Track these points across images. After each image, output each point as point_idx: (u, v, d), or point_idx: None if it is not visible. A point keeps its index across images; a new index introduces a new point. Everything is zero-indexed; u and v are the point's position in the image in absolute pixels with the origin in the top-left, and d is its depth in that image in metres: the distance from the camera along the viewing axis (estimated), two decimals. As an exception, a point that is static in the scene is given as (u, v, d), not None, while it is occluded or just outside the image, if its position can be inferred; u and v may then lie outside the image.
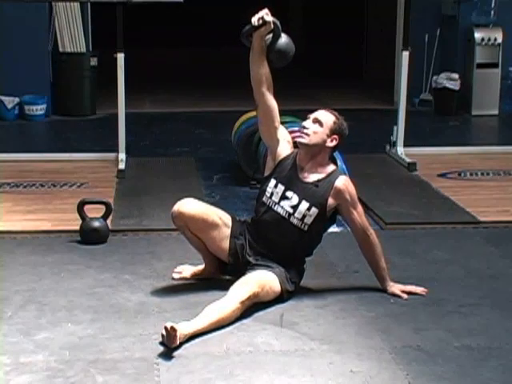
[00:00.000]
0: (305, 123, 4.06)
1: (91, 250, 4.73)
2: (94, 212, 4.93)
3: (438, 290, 4.13)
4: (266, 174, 4.17)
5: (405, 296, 4.01)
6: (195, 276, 4.25)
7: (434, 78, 9.54)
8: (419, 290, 4.08)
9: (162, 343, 3.46)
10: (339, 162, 5.34)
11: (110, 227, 4.95)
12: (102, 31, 9.54)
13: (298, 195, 4.00)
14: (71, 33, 9.08)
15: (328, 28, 13.94)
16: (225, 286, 3.93)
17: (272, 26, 4.05)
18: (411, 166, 6.67)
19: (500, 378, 3.25)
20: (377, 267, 4.07)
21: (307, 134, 4.01)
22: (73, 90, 9.11)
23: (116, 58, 6.66)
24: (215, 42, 13.95)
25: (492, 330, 3.70)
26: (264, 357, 3.41)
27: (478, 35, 9.30)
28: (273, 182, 4.07)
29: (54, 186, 6.13)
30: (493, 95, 9.41)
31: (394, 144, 7.11)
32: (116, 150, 6.78)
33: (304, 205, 3.99)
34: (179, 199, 3.96)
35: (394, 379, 3.24)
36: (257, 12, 4.04)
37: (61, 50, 9.07)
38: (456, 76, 9.34)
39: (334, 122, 4.06)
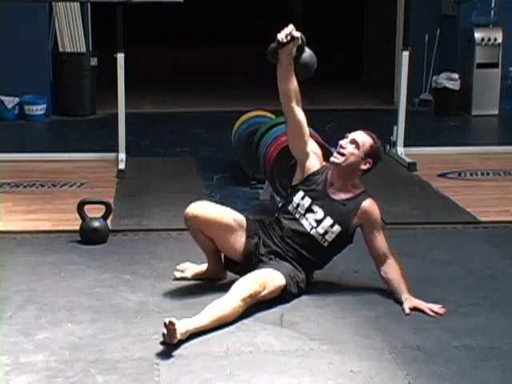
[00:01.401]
0: (342, 142, 4.07)
1: (91, 249, 4.73)
2: (94, 212, 4.93)
3: (438, 290, 4.13)
4: (294, 183, 4.21)
5: (407, 311, 3.84)
6: (196, 276, 4.24)
7: (434, 77, 9.54)
8: (436, 308, 3.85)
9: (163, 342, 3.46)
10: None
11: (110, 227, 4.95)
12: (101, 31, 9.55)
13: (324, 210, 4.04)
14: (71, 33, 9.08)
15: (328, 28, 13.95)
16: (225, 287, 3.93)
17: (300, 41, 4.08)
18: (411, 166, 6.68)
19: (500, 378, 3.25)
20: (394, 287, 3.99)
21: (342, 155, 4.03)
22: (73, 90, 9.11)
23: (116, 58, 6.66)
24: (215, 42, 13.95)
25: (492, 330, 3.70)
26: (264, 357, 3.41)
27: (477, 35, 9.29)
28: (301, 193, 4.11)
29: (54, 186, 6.13)
30: (493, 95, 9.40)
31: (393, 144, 7.12)
32: (116, 150, 6.79)
33: (328, 221, 4.03)
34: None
35: (394, 379, 3.24)
36: (281, 29, 4.04)
37: (61, 50, 9.07)
38: (456, 76, 9.34)
39: (371, 146, 4.07)
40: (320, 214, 4.04)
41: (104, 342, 3.52)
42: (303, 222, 4.06)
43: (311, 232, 4.04)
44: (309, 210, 4.06)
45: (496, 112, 9.40)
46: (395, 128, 7.10)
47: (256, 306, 3.79)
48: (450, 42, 9.72)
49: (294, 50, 4.09)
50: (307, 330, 3.65)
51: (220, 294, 3.81)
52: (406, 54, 7.00)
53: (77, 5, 9.00)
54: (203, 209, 4.02)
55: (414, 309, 3.85)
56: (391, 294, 4.02)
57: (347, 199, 4.06)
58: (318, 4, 14.48)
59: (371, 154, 4.06)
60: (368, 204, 4.06)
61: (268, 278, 3.84)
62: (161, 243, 4.87)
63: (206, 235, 4.04)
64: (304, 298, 4.01)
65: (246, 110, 6.87)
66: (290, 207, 4.12)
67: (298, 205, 4.09)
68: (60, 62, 9.11)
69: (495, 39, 9.28)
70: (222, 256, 4.17)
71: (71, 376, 3.22)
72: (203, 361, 3.36)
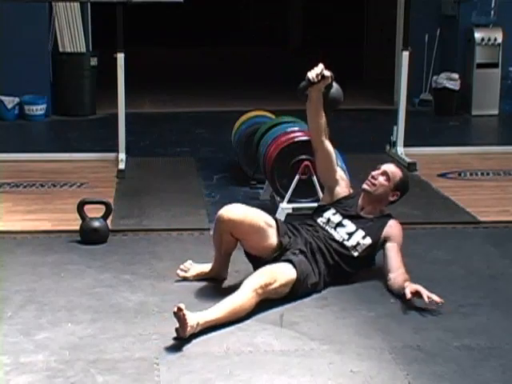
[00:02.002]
0: (374, 173, 4.38)
1: (91, 249, 4.73)
2: (94, 212, 4.93)
3: (438, 290, 4.12)
4: (322, 203, 4.48)
5: (408, 296, 3.90)
6: (198, 277, 4.23)
7: (434, 77, 9.55)
8: (435, 297, 3.86)
9: (175, 338, 3.48)
10: (339, 162, 5.35)
11: (110, 227, 4.95)
12: (102, 31, 9.55)
13: (355, 225, 4.27)
14: (71, 33, 9.08)
15: (328, 28, 13.95)
16: (226, 288, 3.94)
17: (330, 80, 4.30)
18: (411, 166, 6.68)
19: (500, 378, 3.25)
20: (398, 284, 4.04)
21: (374, 185, 4.34)
22: (73, 90, 9.11)
23: (116, 58, 6.67)
24: (215, 42, 13.96)
25: (492, 329, 3.70)
26: (264, 357, 3.41)
27: (477, 35, 9.29)
28: (332, 210, 4.35)
29: (54, 186, 6.13)
30: (493, 95, 9.41)
31: (393, 144, 7.11)
32: (116, 150, 6.79)
33: (360, 233, 4.24)
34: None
35: (394, 379, 3.24)
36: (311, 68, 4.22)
37: (61, 50, 9.07)
38: (456, 76, 9.34)
39: (400, 179, 4.37)
40: (352, 227, 4.26)
41: (104, 341, 3.52)
42: (333, 233, 4.25)
43: (344, 243, 4.22)
44: (340, 224, 4.28)
45: (496, 112, 9.40)
46: (395, 128, 7.10)
47: (256, 305, 3.80)
48: (450, 42, 9.72)
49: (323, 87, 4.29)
50: (307, 330, 3.65)
51: (221, 294, 3.82)
52: (405, 53, 7.00)
53: (77, 5, 9.00)
54: (238, 212, 4.03)
55: (416, 293, 3.86)
56: (391, 294, 4.02)
57: (376, 217, 4.34)
58: (317, 4, 14.47)
59: (399, 187, 4.38)
60: (394, 221, 4.35)
61: (279, 271, 3.89)
62: (161, 243, 4.87)
63: (234, 237, 4.05)
64: (304, 298, 4.01)
65: (246, 109, 6.87)
66: (319, 220, 4.32)
67: (329, 219, 4.31)
68: (60, 61, 9.11)
69: (495, 39, 9.28)
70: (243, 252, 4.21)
71: (71, 376, 3.22)
72: (203, 361, 3.36)
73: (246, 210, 4.07)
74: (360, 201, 4.38)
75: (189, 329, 3.49)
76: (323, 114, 4.37)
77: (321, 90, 4.30)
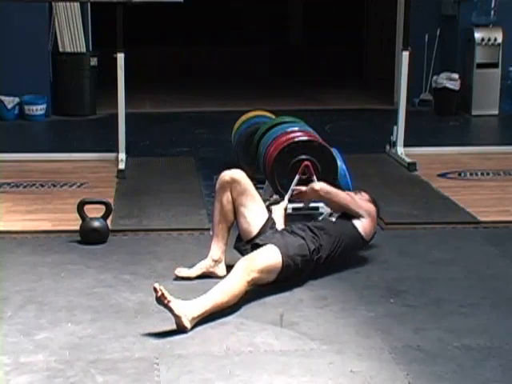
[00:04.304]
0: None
1: (91, 249, 4.73)
2: (94, 212, 4.93)
3: (438, 290, 4.13)
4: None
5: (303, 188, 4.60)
6: (200, 271, 4.27)
7: (434, 78, 9.55)
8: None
9: (177, 333, 3.55)
10: (339, 162, 5.35)
11: (110, 227, 4.95)
12: (102, 31, 9.55)
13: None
14: (71, 33, 9.08)
15: (328, 28, 13.94)
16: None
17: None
18: (411, 166, 6.67)
19: (500, 378, 3.25)
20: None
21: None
22: (73, 90, 9.11)
23: (116, 58, 6.66)
24: (215, 42, 13.94)
25: (492, 330, 3.70)
26: (264, 357, 3.41)
27: (478, 35, 9.29)
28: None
29: (54, 185, 6.13)
30: (493, 95, 9.41)
31: (394, 144, 7.11)
32: (116, 150, 6.79)
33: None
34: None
35: (394, 379, 3.24)
36: None
37: (61, 49, 9.08)
38: (456, 76, 9.34)
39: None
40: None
41: (104, 342, 3.53)
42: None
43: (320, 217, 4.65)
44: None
45: (496, 112, 9.40)
46: (395, 128, 7.10)
47: (256, 305, 3.80)
48: (450, 42, 9.72)
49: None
50: (307, 330, 3.65)
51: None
52: (405, 54, 7.00)
53: (77, 5, 9.01)
54: (238, 172, 4.37)
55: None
56: (392, 294, 4.03)
57: None
58: (318, 4, 14.45)
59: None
60: None
61: (261, 252, 4.02)
62: (161, 243, 4.87)
63: (232, 197, 4.29)
64: (304, 297, 4.02)
65: (246, 109, 6.87)
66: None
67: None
68: (60, 62, 9.11)
69: (495, 39, 9.28)
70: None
71: (71, 376, 3.22)
72: (203, 361, 3.36)
73: (245, 174, 4.39)
74: None
75: (180, 313, 3.55)
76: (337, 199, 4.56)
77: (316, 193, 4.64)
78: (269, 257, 3.99)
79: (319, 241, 4.24)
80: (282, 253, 4.02)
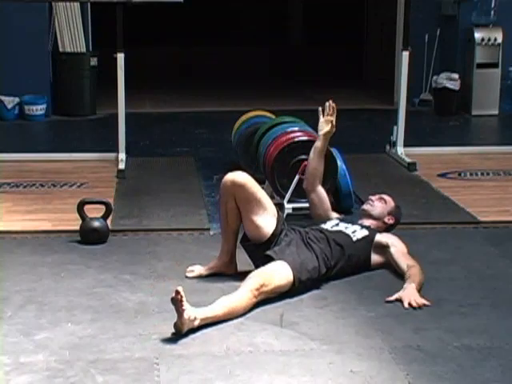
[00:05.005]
0: (372, 197, 4.69)
1: (91, 249, 4.73)
2: (94, 212, 4.93)
3: (438, 290, 4.13)
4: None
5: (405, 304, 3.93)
6: (210, 270, 4.27)
7: (434, 78, 9.55)
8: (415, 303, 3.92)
9: (174, 334, 3.51)
10: (339, 162, 5.36)
11: (110, 227, 4.95)
12: (101, 31, 9.54)
13: (353, 224, 4.50)
14: (71, 33, 9.08)
15: (328, 28, 13.93)
16: (227, 288, 3.93)
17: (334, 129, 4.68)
18: (411, 166, 6.67)
19: (500, 378, 3.25)
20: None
21: (372, 205, 4.63)
22: (73, 90, 9.11)
23: (116, 58, 6.66)
24: (215, 42, 13.94)
25: (492, 329, 3.70)
26: (264, 357, 3.41)
27: (478, 35, 9.30)
28: (335, 221, 4.54)
29: (54, 185, 6.13)
30: (493, 95, 9.41)
31: (394, 144, 7.11)
32: (116, 150, 6.79)
33: (358, 227, 4.45)
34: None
35: (394, 379, 3.24)
36: None
37: (61, 49, 9.08)
38: (456, 76, 9.34)
39: (396, 206, 4.68)
40: (351, 227, 4.43)
41: (104, 341, 3.52)
42: (334, 228, 4.43)
43: (342, 230, 4.39)
44: (338, 225, 4.47)
45: (496, 112, 9.40)
46: (395, 128, 7.10)
47: (256, 305, 3.80)
48: (450, 42, 9.72)
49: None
50: (307, 330, 3.65)
51: (220, 294, 3.82)
52: (405, 54, 7.00)
53: (77, 5, 9.01)
54: (241, 176, 4.19)
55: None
56: (393, 292, 4.03)
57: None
58: (318, 4, 14.45)
59: (393, 212, 4.63)
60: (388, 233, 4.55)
61: (275, 271, 3.93)
62: (161, 243, 4.87)
63: (237, 204, 4.14)
64: (304, 297, 4.02)
65: (246, 109, 6.87)
66: (321, 225, 4.47)
67: (332, 226, 4.46)
68: (60, 62, 9.11)
69: (495, 39, 9.28)
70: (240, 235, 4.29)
71: (71, 376, 3.22)
72: (203, 361, 3.36)
73: (249, 176, 4.21)
74: (358, 220, 4.59)
75: (186, 319, 3.51)
76: (323, 164, 4.67)
77: (327, 139, 4.64)
78: (281, 280, 3.92)
79: (332, 260, 4.19)
80: (294, 275, 3.97)
